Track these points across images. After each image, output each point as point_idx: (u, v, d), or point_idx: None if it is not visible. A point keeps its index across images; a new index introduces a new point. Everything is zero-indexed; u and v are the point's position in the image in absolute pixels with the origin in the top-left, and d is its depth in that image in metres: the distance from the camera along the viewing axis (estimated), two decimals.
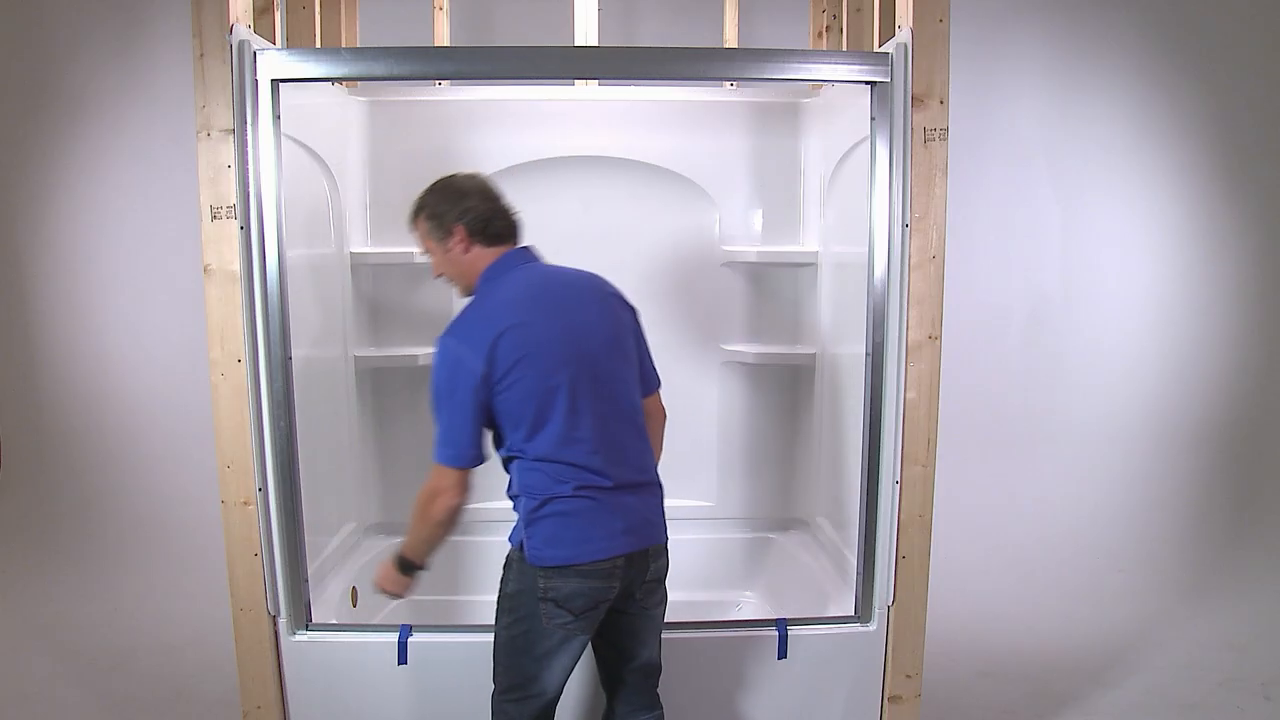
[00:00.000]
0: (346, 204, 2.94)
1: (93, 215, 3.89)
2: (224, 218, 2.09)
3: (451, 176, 1.95)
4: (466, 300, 1.92)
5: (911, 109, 2.15)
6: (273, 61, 2.09)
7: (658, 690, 2.02)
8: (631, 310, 1.98)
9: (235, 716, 2.32)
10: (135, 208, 3.87)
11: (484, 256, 1.88)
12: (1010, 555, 3.85)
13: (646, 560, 1.87)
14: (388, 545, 3.05)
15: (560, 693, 1.88)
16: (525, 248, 1.94)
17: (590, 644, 1.94)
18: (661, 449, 2.12)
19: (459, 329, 1.80)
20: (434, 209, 1.90)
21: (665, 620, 1.98)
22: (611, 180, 3.05)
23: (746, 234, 3.13)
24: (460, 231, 1.87)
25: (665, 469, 3.15)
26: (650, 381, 2.03)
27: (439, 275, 1.96)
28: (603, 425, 1.81)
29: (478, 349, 1.75)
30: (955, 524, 3.55)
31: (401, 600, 2.08)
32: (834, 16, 2.88)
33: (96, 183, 3.88)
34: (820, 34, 2.98)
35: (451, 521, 1.85)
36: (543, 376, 1.76)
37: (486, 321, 1.78)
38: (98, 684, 2.98)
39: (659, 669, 2.01)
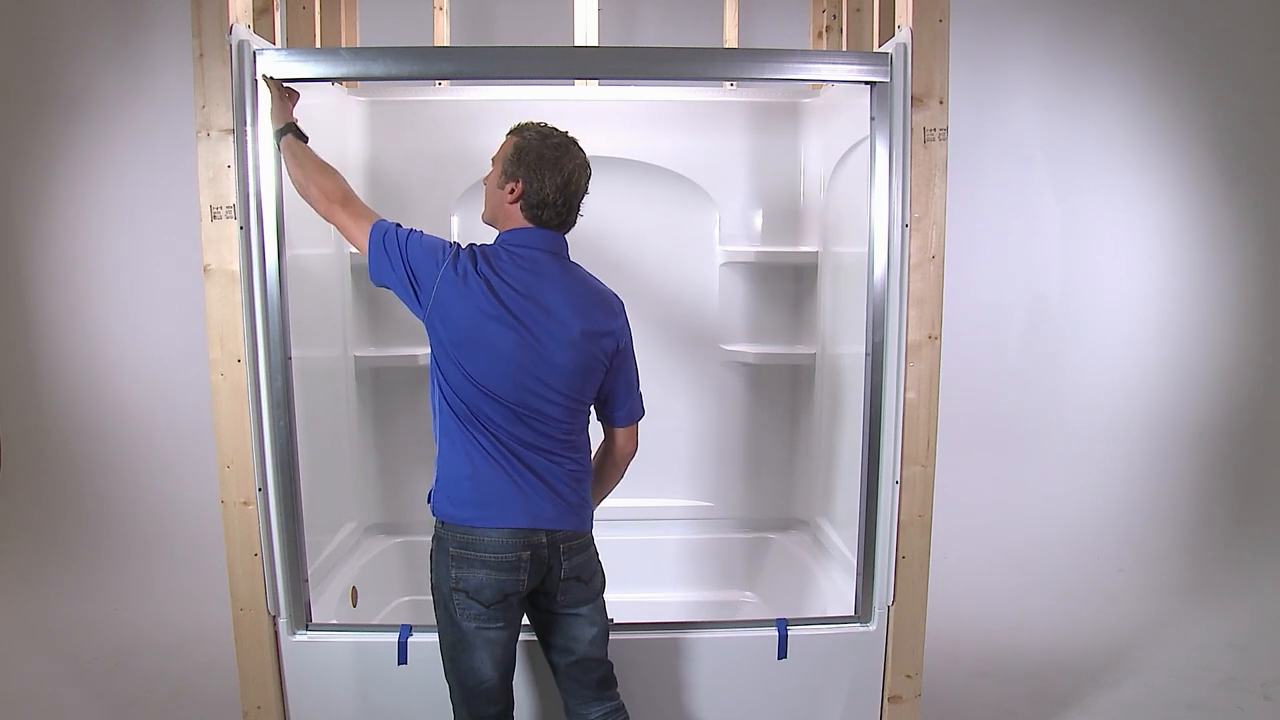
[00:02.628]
0: None
1: (93, 215, 3.89)
2: (224, 218, 2.09)
3: (567, 144, 1.89)
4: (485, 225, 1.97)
5: (911, 109, 2.15)
6: (272, 61, 2.09)
7: (614, 683, 2.02)
8: (627, 339, 1.97)
9: (235, 716, 2.32)
10: (135, 208, 3.87)
11: (518, 219, 1.89)
12: (1010, 555, 3.85)
13: (559, 556, 1.88)
14: (388, 545, 3.07)
15: (501, 679, 1.90)
16: (555, 235, 1.91)
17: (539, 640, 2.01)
18: (618, 481, 2.10)
19: (472, 249, 1.85)
20: (526, 152, 1.86)
21: (664, 621, 1.97)
22: (611, 180, 3.04)
23: (746, 234, 3.13)
24: (519, 189, 1.86)
25: (665, 468, 3.21)
26: (631, 413, 2.03)
27: (485, 182, 1.97)
28: (518, 441, 1.84)
29: (464, 273, 1.81)
30: (955, 524, 3.56)
31: None
32: (834, 16, 2.89)
33: (96, 183, 3.88)
34: (820, 34, 2.98)
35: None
36: (486, 364, 1.80)
37: (490, 276, 1.82)
38: (98, 684, 2.98)
39: (604, 663, 2.00)
